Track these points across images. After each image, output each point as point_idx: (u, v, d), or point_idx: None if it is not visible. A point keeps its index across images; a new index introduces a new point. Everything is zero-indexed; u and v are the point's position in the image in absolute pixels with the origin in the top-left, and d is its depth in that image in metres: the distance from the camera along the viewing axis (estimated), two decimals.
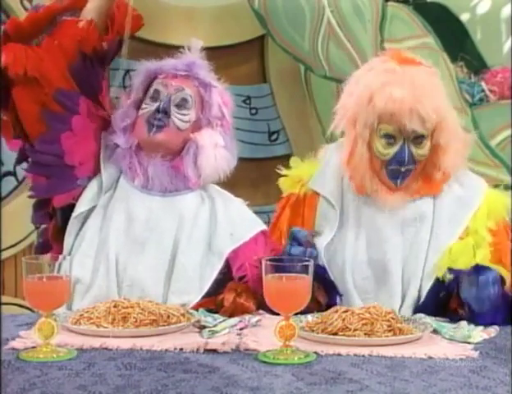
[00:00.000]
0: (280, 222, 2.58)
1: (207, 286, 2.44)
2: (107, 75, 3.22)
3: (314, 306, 2.24)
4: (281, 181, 2.61)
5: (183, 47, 2.58)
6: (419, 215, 2.44)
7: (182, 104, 2.52)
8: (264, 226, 2.57)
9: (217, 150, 2.51)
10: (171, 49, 2.65)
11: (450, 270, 2.35)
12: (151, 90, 2.55)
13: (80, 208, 2.51)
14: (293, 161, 2.64)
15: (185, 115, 2.52)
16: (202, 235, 2.48)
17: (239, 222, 2.53)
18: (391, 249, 2.43)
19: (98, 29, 2.55)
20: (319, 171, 2.55)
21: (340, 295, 2.40)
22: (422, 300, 2.38)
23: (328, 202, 2.51)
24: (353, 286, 2.42)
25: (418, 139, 2.40)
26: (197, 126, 2.54)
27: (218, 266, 2.46)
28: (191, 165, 2.51)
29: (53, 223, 2.56)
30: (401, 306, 2.40)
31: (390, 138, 2.40)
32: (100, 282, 2.43)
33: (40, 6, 2.66)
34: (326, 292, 2.36)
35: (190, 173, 2.50)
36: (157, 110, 2.50)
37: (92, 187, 2.53)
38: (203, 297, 2.43)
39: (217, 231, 2.50)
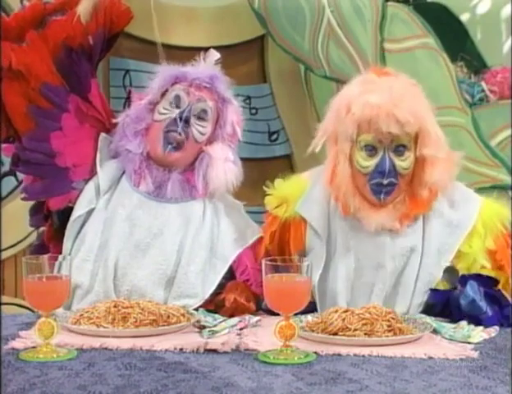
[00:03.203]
0: (264, 241, 2.52)
1: (210, 290, 2.44)
2: (106, 74, 3.23)
3: None
4: (267, 200, 2.55)
5: (201, 50, 2.57)
6: (410, 245, 2.40)
7: (202, 116, 2.51)
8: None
9: (226, 164, 2.51)
10: (171, 49, 2.64)
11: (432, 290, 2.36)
12: (171, 95, 2.52)
13: (78, 211, 2.49)
14: (277, 182, 2.55)
15: (203, 127, 2.51)
16: (205, 242, 2.48)
17: (242, 228, 2.53)
18: (381, 276, 2.39)
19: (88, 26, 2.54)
20: (305, 196, 2.49)
21: None
22: None
23: (314, 231, 2.45)
24: None
25: (399, 148, 2.34)
26: (210, 140, 2.53)
27: (222, 271, 2.46)
28: (201, 176, 2.50)
29: (49, 225, 2.55)
30: None
31: (370, 149, 2.35)
32: (98, 288, 2.42)
33: (26, 6, 2.66)
34: None
35: (199, 184, 2.50)
36: (180, 118, 2.49)
37: (89, 189, 2.51)
38: None
39: (220, 236, 2.50)
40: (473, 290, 2.25)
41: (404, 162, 2.35)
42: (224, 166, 2.51)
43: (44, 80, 2.50)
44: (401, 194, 2.39)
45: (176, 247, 2.46)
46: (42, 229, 2.64)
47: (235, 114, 2.55)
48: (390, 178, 2.35)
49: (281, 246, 2.51)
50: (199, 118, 2.51)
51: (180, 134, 2.48)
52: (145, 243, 2.46)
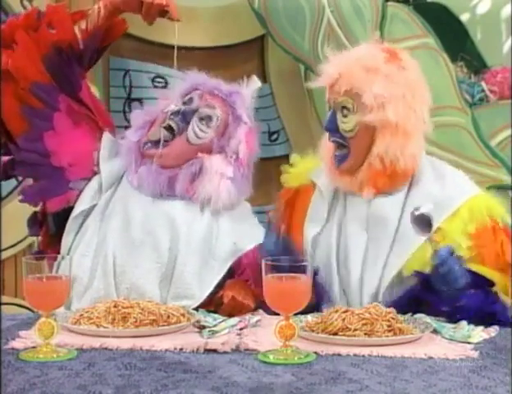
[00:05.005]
0: (284, 218, 2.58)
1: (207, 291, 2.42)
2: (106, 74, 3.23)
3: None
4: (284, 178, 2.61)
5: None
6: (385, 215, 2.41)
7: (206, 120, 2.50)
8: None
9: (222, 180, 2.48)
10: (170, 49, 2.64)
11: (417, 273, 2.32)
12: (186, 97, 2.54)
13: (80, 206, 2.50)
14: (293, 158, 2.63)
15: (202, 131, 2.50)
16: (201, 242, 2.46)
17: (242, 231, 2.51)
18: (353, 246, 2.42)
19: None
20: (321, 166, 2.56)
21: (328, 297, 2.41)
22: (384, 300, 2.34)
23: (320, 192, 2.51)
24: (337, 275, 2.42)
25: (343, 110, 2.43)
26: (208, 149, 2.50)
27: (221, 273, 2.45)
28: (186, 182, 2.48)
29: (44, 232, 2.55)
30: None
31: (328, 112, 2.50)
32: (98, 284, 2.42)
33: (21, 13, 2.66)
34: (315, 293, 2.35)
35: (180, 185, 2.48)
36: (178, 112, 2.49)
37: (92, 186, 2.52)
38: None
39: (219, 238, 2.48)
40: (447, 252, 2.22)
41: (345, 125, 2.43)
42: (219, 180, 2.48)
43: (34, 79, 2.50)
44: (358, 163, 2.43)
45: (167, 245, 2.45)
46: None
47: (244, 134, 2.52)
48: (334, 137, 2.45)
49: (288, 214, 2.57)
50: (202, 121, 2.50)
51: (170, 127, 2.48)
52: (140, 239, 2.46)
